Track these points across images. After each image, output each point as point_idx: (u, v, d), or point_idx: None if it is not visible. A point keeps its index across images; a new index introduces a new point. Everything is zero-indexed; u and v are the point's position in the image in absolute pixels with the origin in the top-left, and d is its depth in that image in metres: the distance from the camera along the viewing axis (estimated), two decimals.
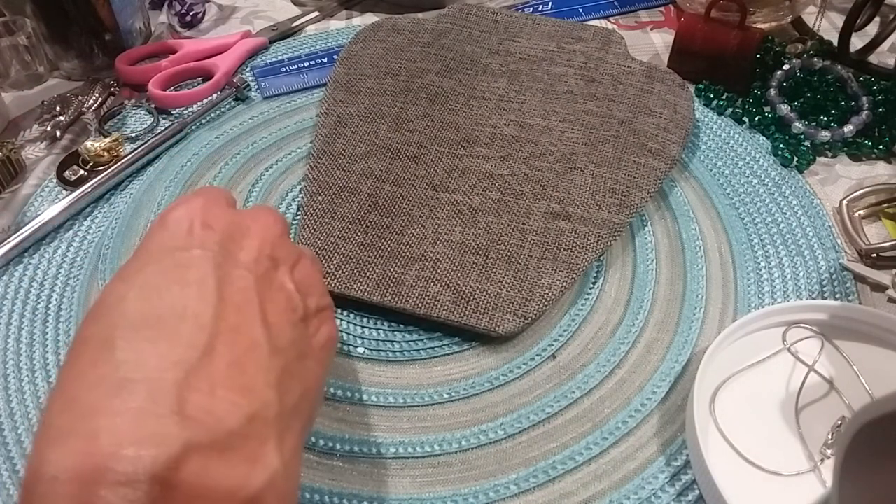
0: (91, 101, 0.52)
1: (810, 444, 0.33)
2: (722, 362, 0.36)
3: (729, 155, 0.48)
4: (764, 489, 0.31)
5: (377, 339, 0.38)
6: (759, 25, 0.55)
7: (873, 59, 0.53)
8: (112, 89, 0.54)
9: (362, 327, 0.38)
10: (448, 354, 0.37)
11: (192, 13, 0.61)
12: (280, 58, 0.57)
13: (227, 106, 0.52)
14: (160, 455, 0.19)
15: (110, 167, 0.46)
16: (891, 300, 0.39)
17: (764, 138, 0.49)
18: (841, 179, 0.46)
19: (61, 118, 0.50)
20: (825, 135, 0.47)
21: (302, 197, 0.43)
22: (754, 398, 0.35)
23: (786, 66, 0.51)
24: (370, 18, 0.62)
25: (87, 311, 0.29)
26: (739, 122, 0.50)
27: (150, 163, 0.48)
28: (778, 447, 0.33)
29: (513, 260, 0.39)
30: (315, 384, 0.26)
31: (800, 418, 0.34)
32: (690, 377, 0.36)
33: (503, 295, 0.38)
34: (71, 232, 0.44)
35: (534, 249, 0.40)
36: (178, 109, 0.52)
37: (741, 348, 0.36)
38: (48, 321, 0.39)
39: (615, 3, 0.62)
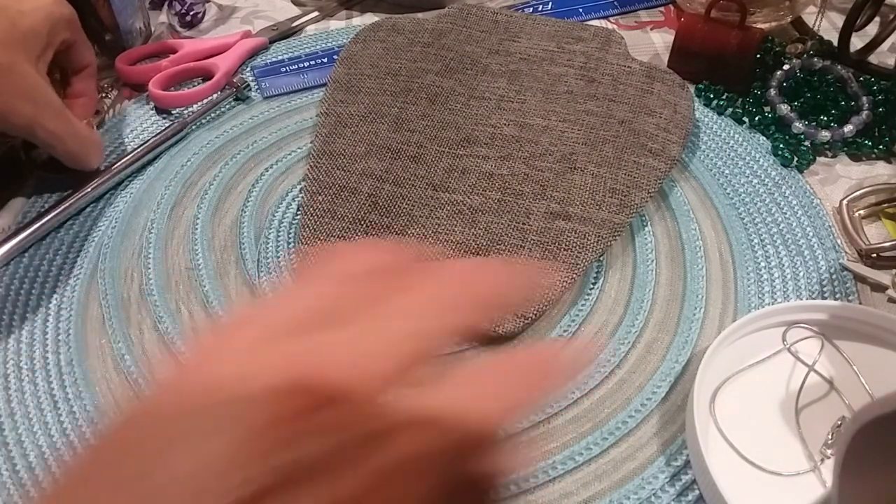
0: None
1: (810, 444, 0.33)
2: (722, 362, 0.36)
3: (729, 155, 0.48)
4: (764, 489, 0.31)
5: None
6: (759, 25, 0.55)
7: (873, 58, 0.53)
8: (107, 91, 0.54)
9: None
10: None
11: (192, 13, 0.61)
12: (280, 58, 0.57)
13: (227, 106, 0.52)
14: None
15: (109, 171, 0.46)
16: (891, 300, 0.39)
17: (764, 138, 0.49)
18: (841, 179, 0.46)
19: None
20: (825, 135, 0.47)
21: (302, 197, 0.43)
22: (754, 398, 0.35)
23: (786, 66, 0.51)
24: (370, 18, 0.62)
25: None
26: (739, 122, 0.50)
27: (150, 162, 0.48)
28: (778, 447, 0.33)
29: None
30: None
31: (800, 418, 0.34)
32: (690, 377, 0.36)
33: None
34: (71, 232, 0.44)
35: (534, 249, 0.40)
36: (178, 109, 0.52)
37: (741, 348, 0.36)
38: (48, 321, 0.39)
39: (615, 2, 0.62)
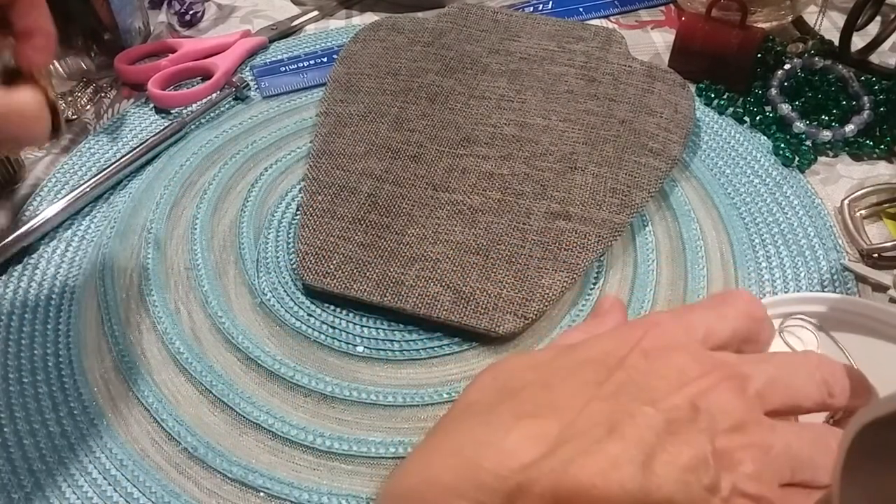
0: (84, 101, 0.53)
1: None
2: None
3: (730, 155, 0.48)
4: None
5: (377, 339, 0.38)
6: (760, 25, 0.55)
7: (874, 58, 0.53)
8: (106, 91, 0.54)
9: (362, 326, 0.38)
10: (448, 354, 0.37)
11: (191, 12, 0.60)
12: (280, 57, 0.57)
13: (227, 105, 0.52)
14: None
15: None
16: (892, 300, 0.39)
17: (765, 138, 0.49)
18: (842, 179, 0.46)
19: None
20: (826, 134, 0.47)
21: (301, 197, 0.43)
22: None
23: (787, 66, 0.51)
24: (370, 18, 0.62)
25: None
26: (740, 121, 0.50)
27: (149, 162, 0.48)
28: None
29: (513, 260, 0.39)
30: None
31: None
32: None
33: (503, 295, 0.38)
34: (70, 232, 0.44)
35: (534, 249, 0.40)
36: (177, 109, 0.52)
37: None
38: (48, 321, 0.39)
39: (616, 2, 0.62)
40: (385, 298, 0.38)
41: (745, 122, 0.50)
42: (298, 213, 0.44)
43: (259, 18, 0.62)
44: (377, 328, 0.38)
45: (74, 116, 0.52)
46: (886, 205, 0.44)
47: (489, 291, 0.38)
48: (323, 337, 0.38)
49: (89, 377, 0.36)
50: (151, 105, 0.52)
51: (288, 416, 0.35)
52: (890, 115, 0.48)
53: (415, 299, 0.38)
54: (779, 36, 0.56)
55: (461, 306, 0.37)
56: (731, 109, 0.51)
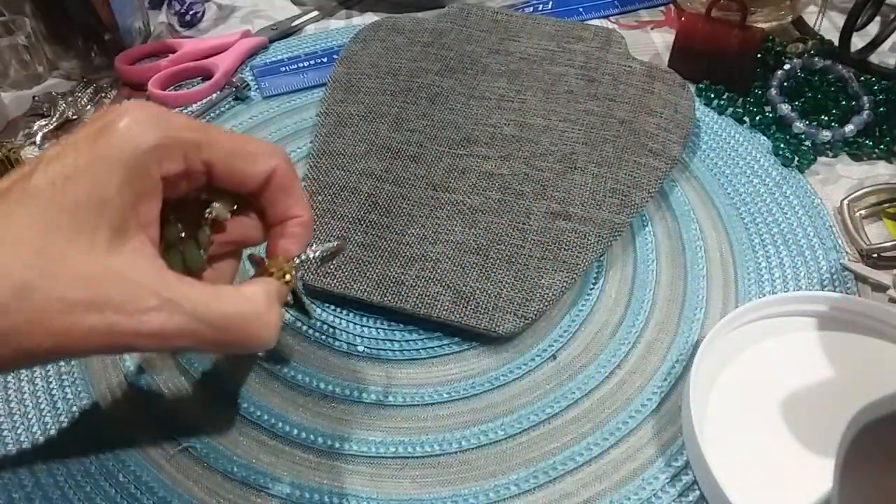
0: (85, 101, 0.53)
1: (810, 442, 0.33)
2: (719, 353, 0.35)
3: (730, 155, 0.48)
4: (764, 489, 0.31)
5: (377, 339, 0.38)
6: (760, 25, 0.55)
7: (874, 58, 0.53)
8: (104, 92, 0.54)
9: (362, 326, 0.38)
10: (448, 354, 0.37)
11: (191, 12, 0.60)
12: (280, 57, 0.57)
13: (227, 105, 0.52)
14: None
15: None
16: (892, 300, 0.39)
17: (765, 138, 0.49)
18: (842, 179, 0.46)
19: (43, 122, 0.51)
20: (826, 134, 0.47)
21: None
22: (752, 395, 0.34)
23: (786, 66, 0.51)
24: (370, 18, 0.62)
25: None
26: (740, 121, 0.50)
27: None
28: (778, 447, 0.33)
29: (513, 260, 0.39)
30: None
31: (799, 413, 0.34)
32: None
33: (503, 295, 0.38)
34: None
35: (534, 249, 0.40)
36: (177, 109, 0.52)
37: (738, 339, 0.36)
38: None
39: (615, 2, 0.62)
40: (385, 298, 0.38)
41: (745, 122, 0.50)
42: None
43: (259, 18, 0.62)
44: (377, 328, 0.38)
45: (75, 116, 0.52)
46: (886, 205, 0.44)
47: (489, 291, 0.38)
48: (323, 337, 0.38)
49: (90, 377, 0.36)
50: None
51: (288, 416, 0.35)
52: (889, 115, 0.48)
53: (415, 299, 0.38)
54: (779, 36, 0.56)
55: (461, 306, 0.37)
56: (730, 109, 0.51)
